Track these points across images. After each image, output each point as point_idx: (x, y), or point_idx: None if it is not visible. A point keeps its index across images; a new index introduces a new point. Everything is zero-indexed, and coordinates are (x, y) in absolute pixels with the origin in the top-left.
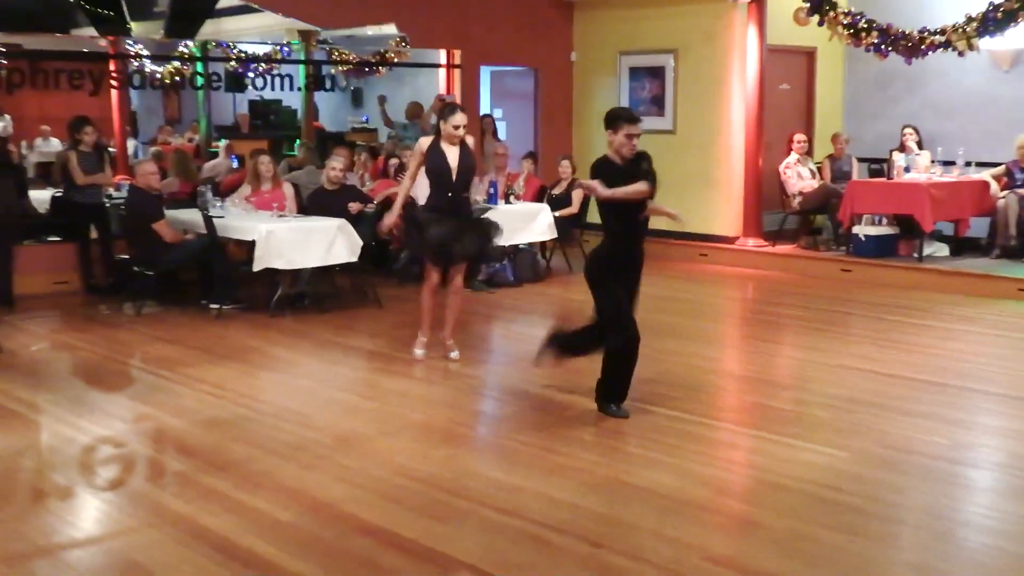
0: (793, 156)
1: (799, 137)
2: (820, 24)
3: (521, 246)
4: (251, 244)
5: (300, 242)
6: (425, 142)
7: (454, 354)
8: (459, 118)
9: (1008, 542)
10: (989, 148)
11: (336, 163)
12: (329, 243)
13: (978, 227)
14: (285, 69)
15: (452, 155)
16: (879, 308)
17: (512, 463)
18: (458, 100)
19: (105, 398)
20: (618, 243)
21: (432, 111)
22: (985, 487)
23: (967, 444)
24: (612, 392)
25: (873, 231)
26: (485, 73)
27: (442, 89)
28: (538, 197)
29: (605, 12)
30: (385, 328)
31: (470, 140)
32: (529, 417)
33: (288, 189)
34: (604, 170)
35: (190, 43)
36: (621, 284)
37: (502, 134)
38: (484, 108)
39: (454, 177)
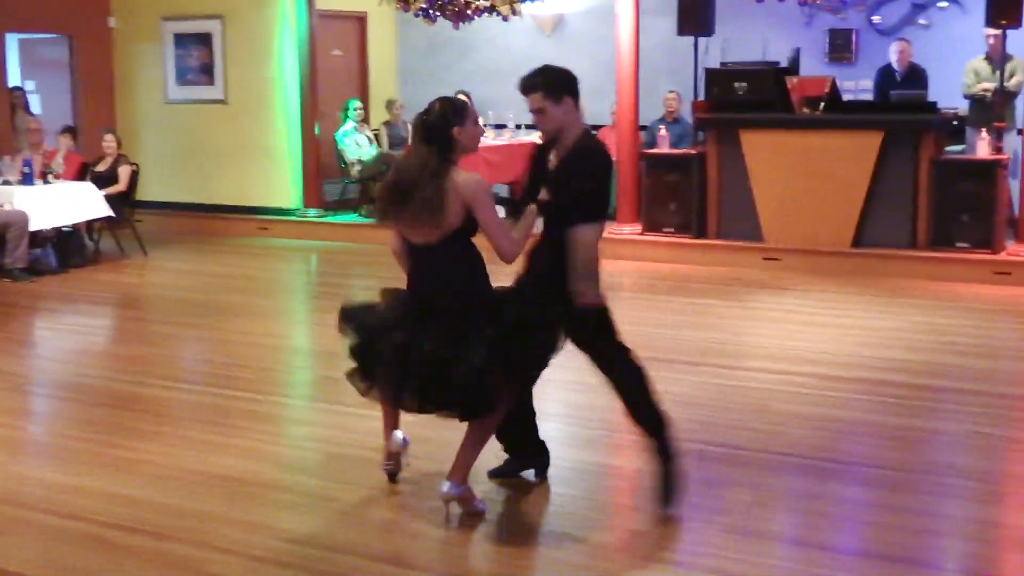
0: (350, 123)
1: (355, 104)
2: None
3: (65, 228)
4: None
5: None
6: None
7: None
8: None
9: (570, 488)
10: None
11: None
12: None
13: None
14: None
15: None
16: None
17: (69, 463)
18: None
19: None
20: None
21: None
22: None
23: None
24: None
25: None
26: (12, 41)
27: None
28: (80, 175)
29: None
30: None
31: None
32: (85, 412)
33: None
34: None
35: None
36: None
37: (35, 108)
38: (14, 80)
39: None
